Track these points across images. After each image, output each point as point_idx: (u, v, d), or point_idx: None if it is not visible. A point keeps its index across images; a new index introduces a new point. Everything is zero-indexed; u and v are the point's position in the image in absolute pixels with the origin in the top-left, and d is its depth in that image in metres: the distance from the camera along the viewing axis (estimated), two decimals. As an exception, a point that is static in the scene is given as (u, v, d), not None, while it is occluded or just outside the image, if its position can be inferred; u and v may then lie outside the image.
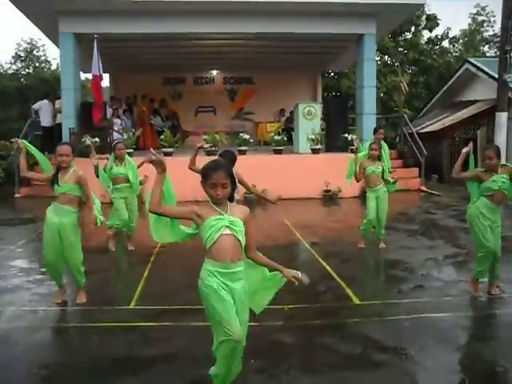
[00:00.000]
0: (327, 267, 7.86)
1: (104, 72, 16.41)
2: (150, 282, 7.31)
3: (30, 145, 6.29)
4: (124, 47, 18.53)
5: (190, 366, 4.48)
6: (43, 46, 38.58)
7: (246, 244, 3.78)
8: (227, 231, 3.65)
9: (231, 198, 3.86)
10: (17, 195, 15.95)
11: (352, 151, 9.37)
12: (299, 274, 3.77)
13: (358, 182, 9.13)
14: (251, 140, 16.56)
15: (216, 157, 5.68)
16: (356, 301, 6.40)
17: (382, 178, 8.87)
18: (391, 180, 9.07)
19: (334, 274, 7.49)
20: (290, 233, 10.58)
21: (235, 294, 3.66)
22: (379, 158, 8.90)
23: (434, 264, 8.12)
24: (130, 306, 6.27)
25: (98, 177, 8.59)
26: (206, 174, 3.66)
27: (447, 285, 7.05)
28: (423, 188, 16.90)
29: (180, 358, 4.81)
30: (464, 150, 6.41)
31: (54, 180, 6.09)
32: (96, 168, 8.52)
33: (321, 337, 5.33)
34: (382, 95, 29.08)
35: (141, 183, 9.21)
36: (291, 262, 8.71)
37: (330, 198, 15.32)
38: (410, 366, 4.67)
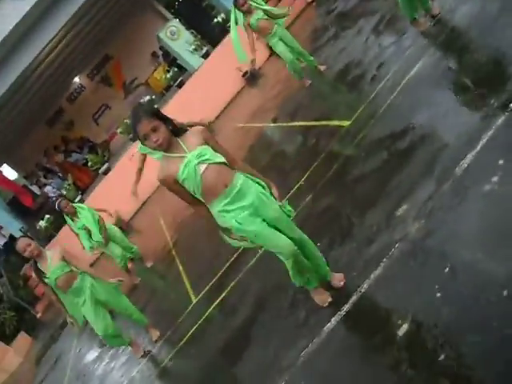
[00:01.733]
0: (297, 123, 7.59)
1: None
2: (190, 269, 7.12)
3: None
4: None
5: (282, 293, 4.33)
6: None
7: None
8: (202, 167, 3.28)
9: (178, 132, 3.37)
10: (39, 315, 15.42)
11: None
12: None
13: (253, 53, 8.64)
14: (154, 97, 15.98)
15: None
16: (345, 123, 6.17)
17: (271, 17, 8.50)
18: (284, 11, 8.71)
19: (311, 123, 7.24)
20: (251, 132, 10.26)
21: (258, 207, 3.38)
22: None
23: (376, 37, 7.77)
24: (194, 301, 6.09)
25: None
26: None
27: (400, 42, 6.71)
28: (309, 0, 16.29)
29: (270, 294, 4.65)
30: None
31: (40, 277, 5.66)
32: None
33: (356, 185, 5.14)
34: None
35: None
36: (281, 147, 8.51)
37: (252, 77, 14.80)
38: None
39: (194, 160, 3.26)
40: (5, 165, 22.24)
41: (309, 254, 3.64)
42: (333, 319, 3.54)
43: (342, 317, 3.50)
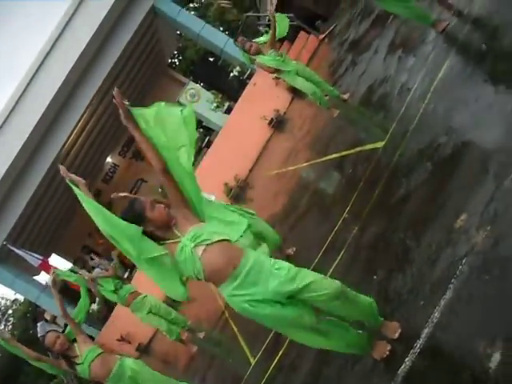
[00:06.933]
0: (330, 157, 7.18)
1: (46, 256, 15.61)
2: (244, 330, 6.65)
3: None
4: (29, 225, 17.34)
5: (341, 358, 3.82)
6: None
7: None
8: (200, 249, 2.89)
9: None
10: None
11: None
12: None
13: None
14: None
15: None
16: (379, 145, 5.70)
17: None
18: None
19: (345, 153, 6.81)
20: (287, 176, 9.88)
21: (275, 288, 2.87)
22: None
23: (394, 51, 7.35)
24: (253, 363, 5.58)
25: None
26: (138, 218, 3.07)
27: (420, 49, 6.20)
28: (321, 36, 16.00)
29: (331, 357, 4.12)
30: None
31: (71, 365, 5.12)
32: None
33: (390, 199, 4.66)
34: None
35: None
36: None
37: (279, 123, 14.45)
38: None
39: (190, 243, 2.89)
40: (53, 254, 22.43)
41: (347, 312, 3.08)
42: (407, 360, 3.01)
43: (417, 355, 2.96)
